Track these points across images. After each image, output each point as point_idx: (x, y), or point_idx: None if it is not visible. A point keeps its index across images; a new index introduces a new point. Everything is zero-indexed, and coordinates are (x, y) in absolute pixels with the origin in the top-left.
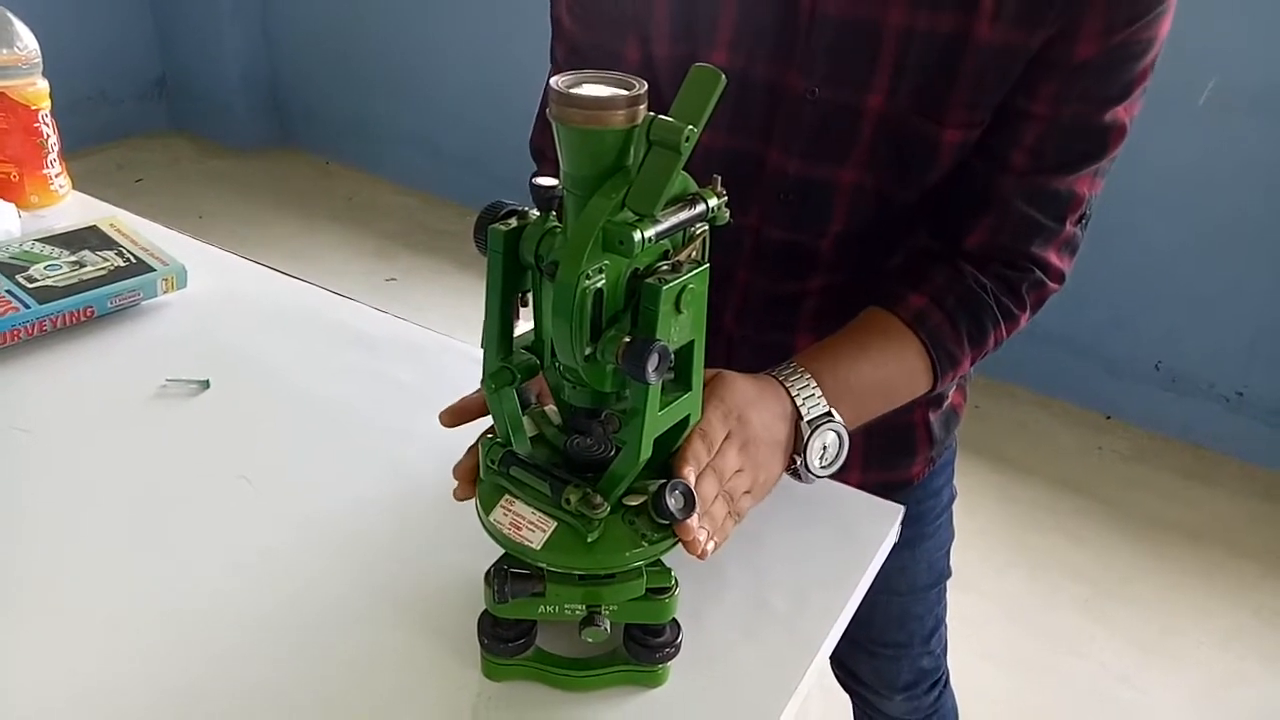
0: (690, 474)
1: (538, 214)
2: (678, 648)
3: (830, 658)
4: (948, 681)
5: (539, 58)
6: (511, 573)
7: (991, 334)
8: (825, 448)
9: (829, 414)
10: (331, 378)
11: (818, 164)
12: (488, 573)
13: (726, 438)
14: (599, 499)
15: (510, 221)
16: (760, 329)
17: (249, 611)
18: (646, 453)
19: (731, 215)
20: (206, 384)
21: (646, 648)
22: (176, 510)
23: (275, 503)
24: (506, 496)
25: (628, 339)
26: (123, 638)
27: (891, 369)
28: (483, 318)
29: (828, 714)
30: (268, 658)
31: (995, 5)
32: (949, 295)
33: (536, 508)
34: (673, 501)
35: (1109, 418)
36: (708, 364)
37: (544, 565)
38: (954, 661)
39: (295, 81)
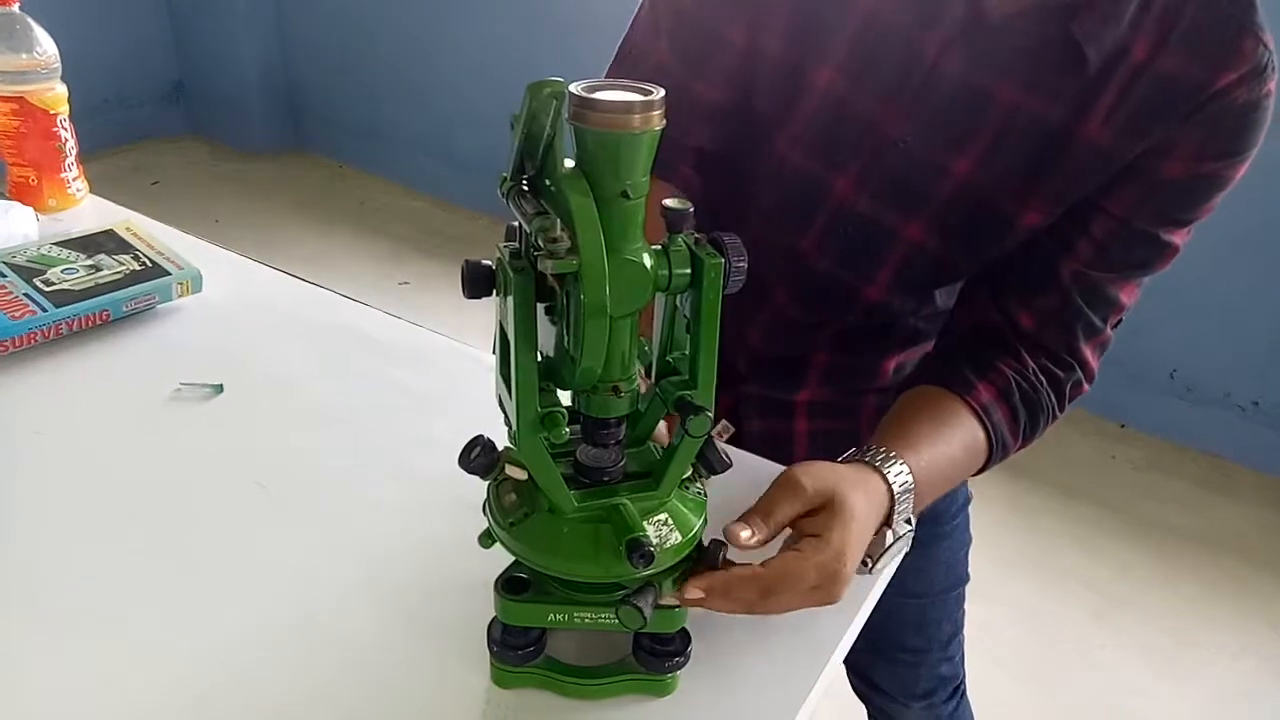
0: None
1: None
2: (687, 657)
3: (847, 666)
4: (964, 692)
5: (553, 62)
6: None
7: (1040, 430)
8: (893, 554)
9: (909, 521)
10: (344, 382)
11: (887, 210)
12: (497, 581)
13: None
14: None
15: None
16: (782, 345)
17: (258, 614)
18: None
19: (790, 235)
20: (220, 388)
21: (656, 656)
22: (188, 513)
23: (287, 506)
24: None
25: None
26: (134, 640)
27: (960, 463)
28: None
29: None
30: (276, 660)
31: (1108, 111)
32: (1015, 392)
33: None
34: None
35: (1123, 426)
36: (725, 388)
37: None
38: (965, 669)
39: (310, 86)
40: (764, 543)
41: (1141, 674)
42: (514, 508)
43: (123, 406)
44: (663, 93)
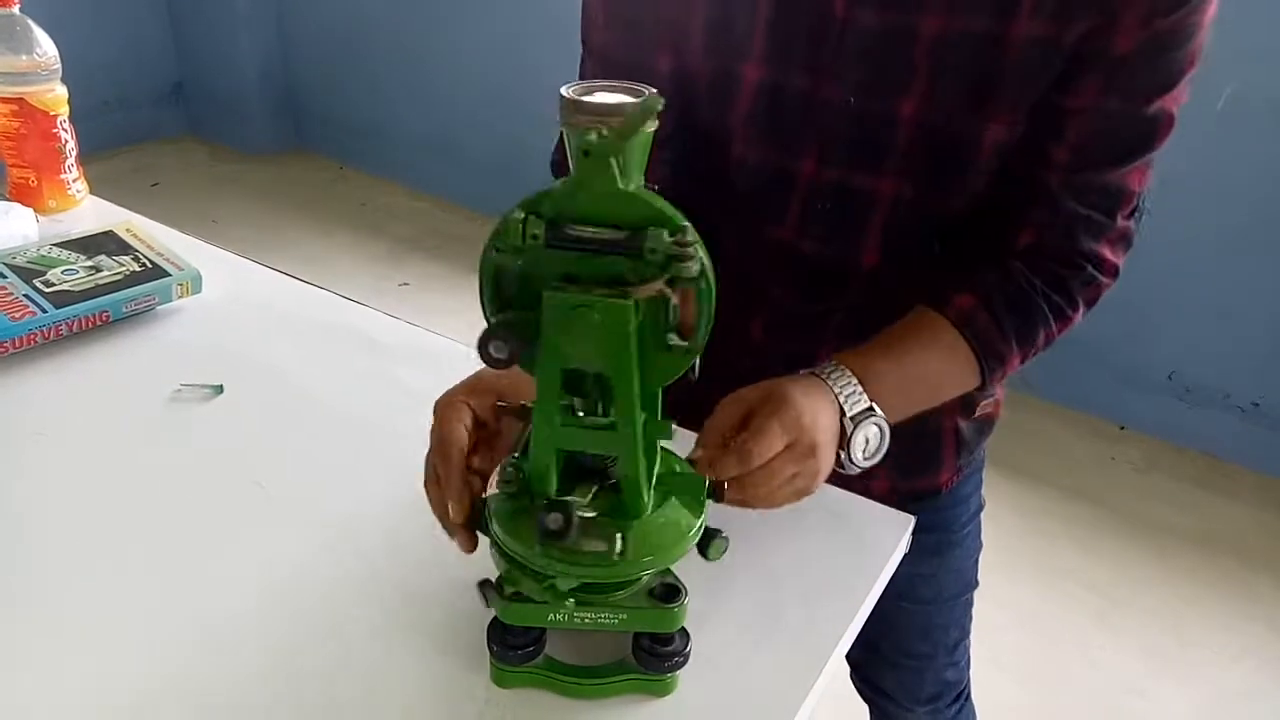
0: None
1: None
2: (687, 656)
3: (852, 669)
4: (969, 696)
5: (554, 63)
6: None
7: (1042, 333)
8: (868, 440)
9: (870, 409)
10: (344, 383)
11: (855, 173)
12: (497, 581)
13: (786, 448)
14: (514, 472)
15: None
16: (789, 340)
17: (259, 615)
18: (543, 453)
19: (770, 227)
20: (220, 389)
21: (655, 656)
22: (188, 514)
23: (287, 507)
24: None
25: (504, 320)
26: (134, 639)
27: (935, 365)
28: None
29: None
30: (277, 661)
31: (1033, 2)
32: (997, 295)
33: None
34: (546, 521)
35: (1123, 428)
36: (732, 373)
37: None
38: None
39: (310, 86)
40: (714, 457)
41: (1141, 674)
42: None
43: (123, 407)
44: (654, 93)
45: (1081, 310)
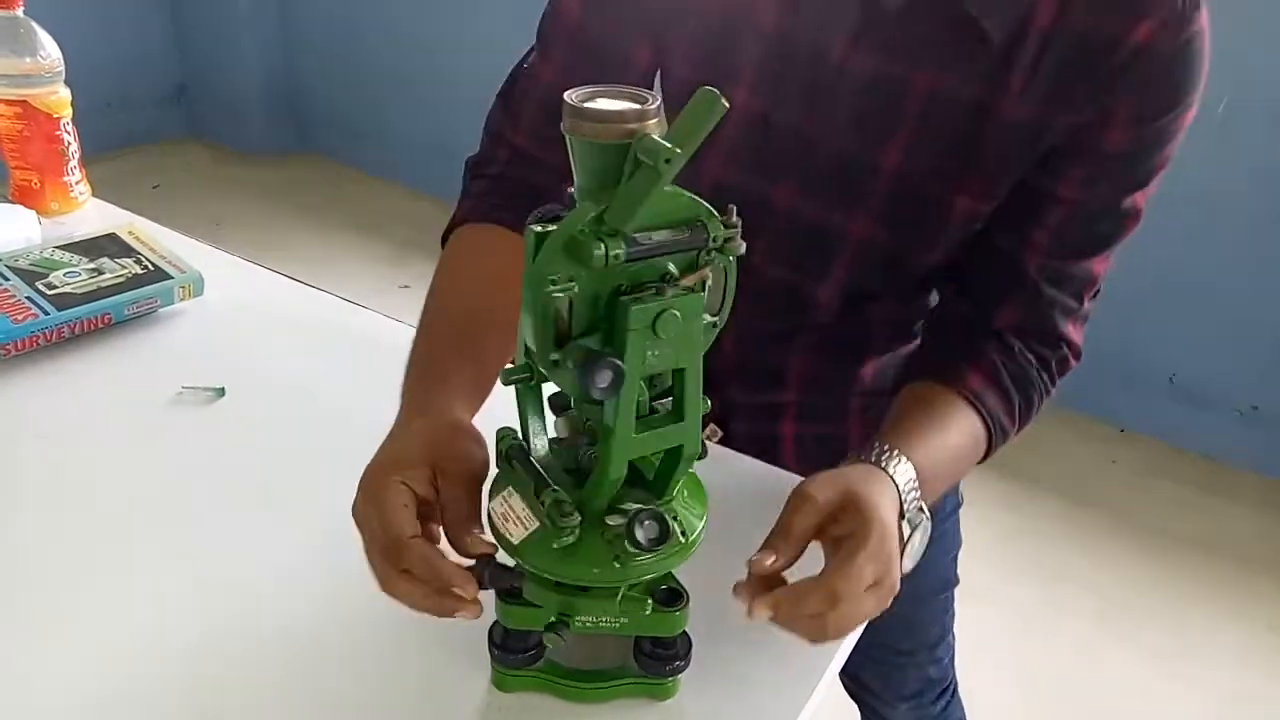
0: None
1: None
2: (688, 661)
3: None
4: (955, 691)
5: None
6: (496, 563)
7: (1035, 408)
8: (915, 547)
9: (923, 512)
10: (345, 385)
11: (830, 211)
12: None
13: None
14: (571, 509)
15: (547, 225)
16: (758, 352)
17: (259, 618)
18: (617, 472)
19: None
20: (222, 391)
21: (657, 660)
22: (190, 515)
23: (288, 509)
24: (509, 489)
25: (589, 351)
26: (136, 641)
27: (964, 452)
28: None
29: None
30: (279, 664)
31: (1024, 82)
32: (1003, 374)
33: (528, 505)
34: (642, 531)
35: (1122, 430)
36: (708, 378)
37: (517, 562)
38: (965, 673)
39: (312, 88)
40: (790, 563)
41: (1142, 677)
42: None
43: (125, 409)
44: (658, 101)
45: (1055, 389)
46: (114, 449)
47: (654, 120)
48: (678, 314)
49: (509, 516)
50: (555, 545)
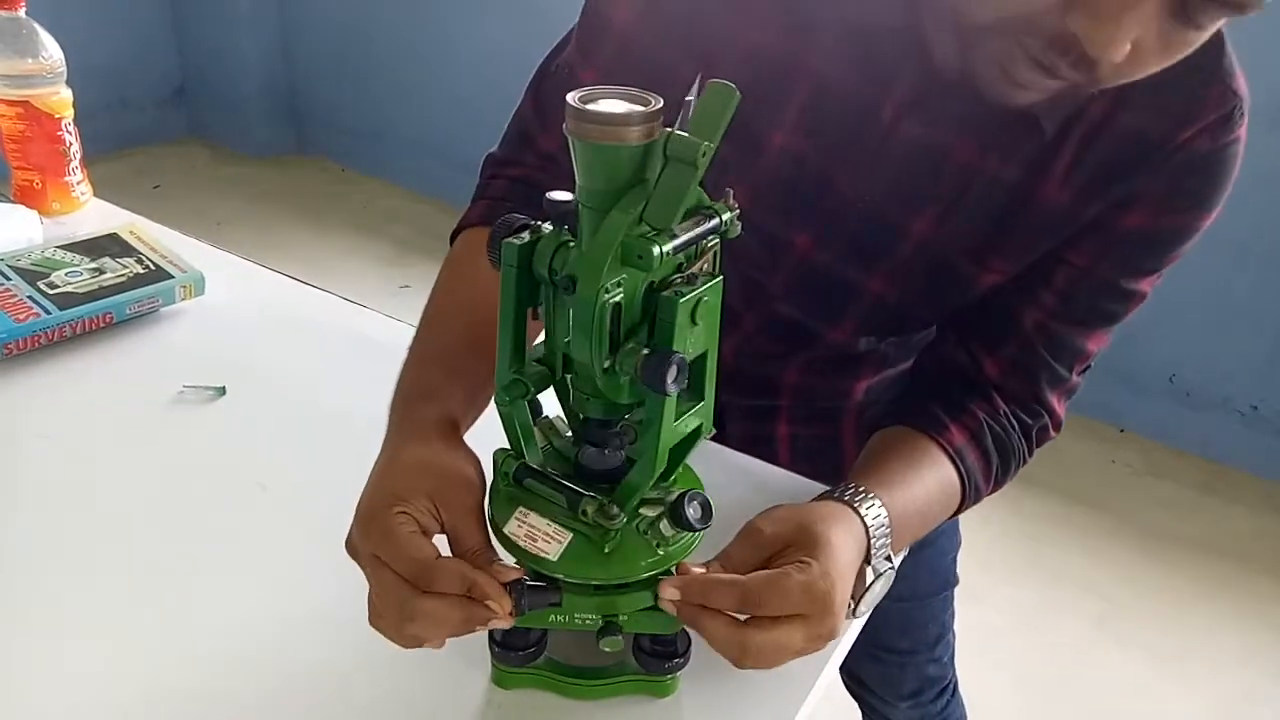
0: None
1: (549, 227)
2: (687, 658)
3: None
4: (955, 690)
5: None
6: (528, 585)
7: (1010, 474)
8: (875, 593)
9: (889, 559)
10: (345, 385)
11: (848, 266)
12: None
13: (799, 616)
14: (615, 510)
15: (524, 235)
16: (759, 365)
17: (260, 614)
18: (662, 464)
19: (759, 274)
20: (222, 390)
21: (656, 658)
22: (191, 514)
23: (289, 508)
24: (521, 509)
25: (646, 351)
26: (137, 641)
27: (936, 505)
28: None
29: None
30: (279, 662)
31: (1066, 171)
32: (986, 434)
33: (552, 519)
34: (691, 511)
35: (1122, 431)
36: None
37: (560, 576)
38: (966, 673)
39: (312, 89)
40: (708, 584)
41: (1142, 678)
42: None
43: (126, 409)
44: (661, 103)
45: (1030, 459)
46: (115, 447)
47: (659, 121)
48: (708, 300)
49: (536, 536)
50: (606, 549)
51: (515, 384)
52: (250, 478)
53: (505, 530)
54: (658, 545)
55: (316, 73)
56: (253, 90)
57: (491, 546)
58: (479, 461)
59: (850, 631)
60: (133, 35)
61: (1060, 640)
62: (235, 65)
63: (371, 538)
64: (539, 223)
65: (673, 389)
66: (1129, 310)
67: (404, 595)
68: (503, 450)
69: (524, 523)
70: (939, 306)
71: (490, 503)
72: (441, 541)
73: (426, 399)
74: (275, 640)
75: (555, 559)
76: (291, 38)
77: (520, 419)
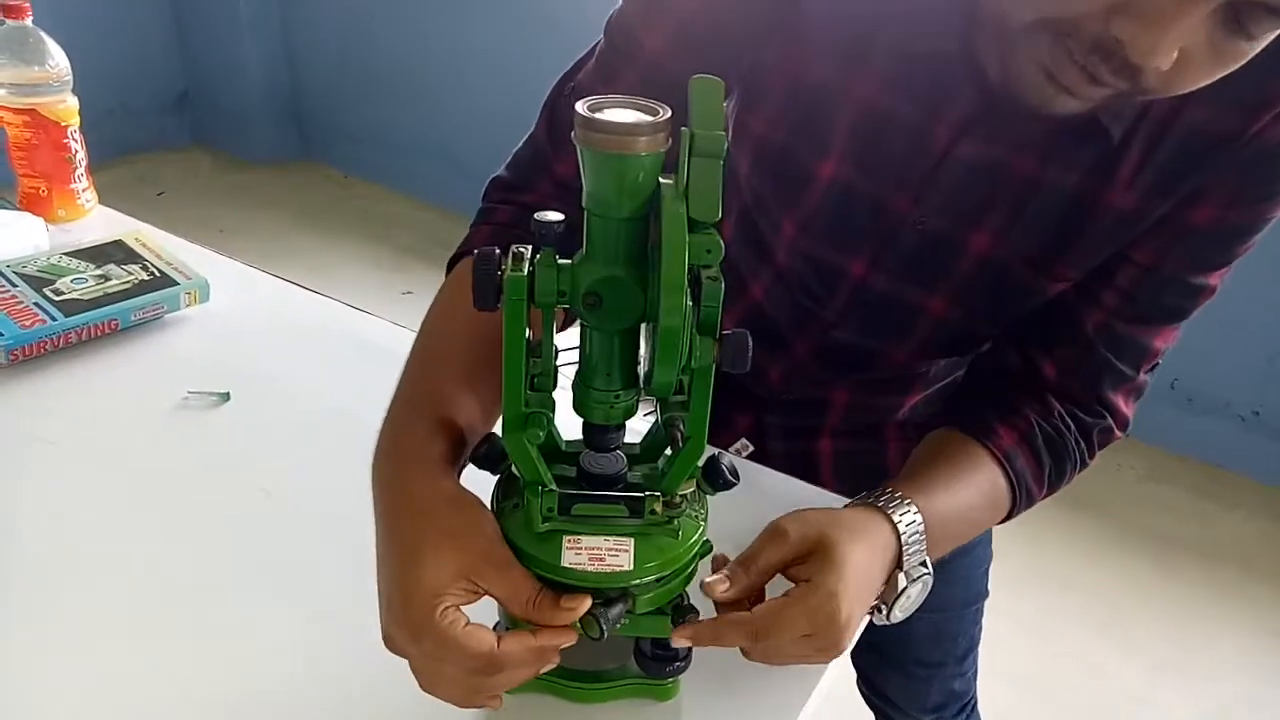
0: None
1: (533, 250)
2: (689, 662)
3: (859, 676)
4: (975, 706)
5: (559, 72)
6: (599, 605)
7: (1068, 477)
8: (911, 597)
9: (925, 566)
10: (349, 391)
11: (907, 287)
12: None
13: (804, 636)
14: (674, 497)
15: (522, 268)
16: (805, 388)
17: (264, 619)
18: (704, 442)
19: (812, 304)
20: (227, 396)
21: (658, 661)
22: (195, 520)
23: (294, 514)
24: (567, 537)
25: (724, 335)
26: (142, 645)
27: (981, 510)
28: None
29: None
30: (281, 666)
31: (1133, 173)
32: (1038, 436)
33: (607, 534)
34: (725, 467)
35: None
36: (749, 397)
37: (635, 581)
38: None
39: (315, 96)
40: (746, 593)
41: (1144, 683)
42: (508, 498)
43: (131, 414)
44: (669, 113)
45: (1095, 459)
46: (120, 453)
47: (664, 133)
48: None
49: (601, 555)
50: (680, 535)
51: (535, 417)
52: (254, 483)
53: (565, 565)
54: (696, 516)
55: (319, 79)
56: (256, 97)
57: (549, 592)
58: (482, 502)
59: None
60: (136, 42)
61: (1061, 644)
62: (238, 72)
63: (424, 644)
64: (519, 248)
65: (749, 364)
66: (1197, 305)
67: (473, 683)
68: (508, 496)
69: (579, 549)
70: (1003, 320)
71: (525, 550)
72: None
73: (417, 450)
74: (277, 644)
75: (630, 567)
76: (294, 44)
77: (536, 450)
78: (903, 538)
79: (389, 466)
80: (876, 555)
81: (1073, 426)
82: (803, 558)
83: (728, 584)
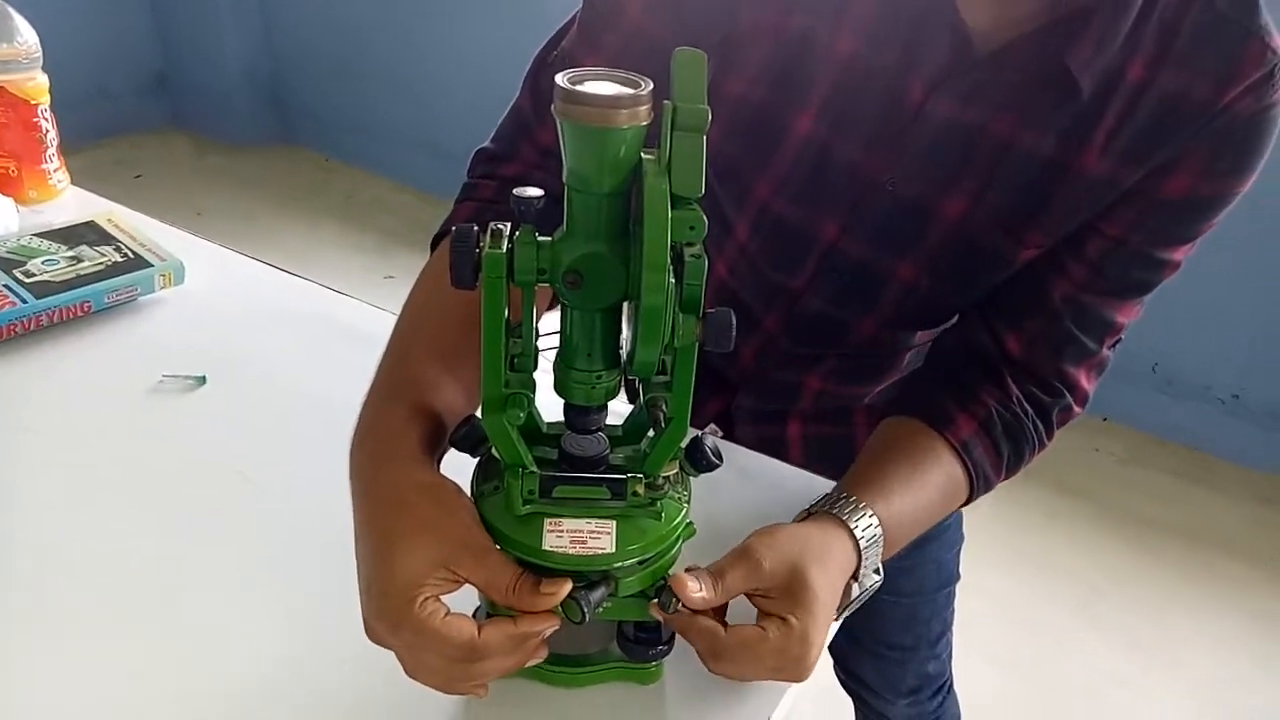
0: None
1: (512, 228)
2: (671, 645)
3: (834, 660)
4: (951, 687)
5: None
6: (580, 589)
7: (1025, 460)
8: (856, 603)
9: (877, 571)
10: (328, 374)
11: (879, 252)
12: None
13: (773, 652)
14: (657, 479)
15: (501, 245)
16: (779, 369)
17: (242, 605)
18: (686, 424)
19: (779, 274)
20: (203, 380)
21: (640, 645)
22: (172, 505)
23: (271, 497)
24: (548, 520)
25: (708, 313)
26: (120, 632)
27: (938, 503)
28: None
29: (821, 716)
30: (263, 651)
31: (1106, 139)
32: (996, 424)
33: (589, 516)
34: (708, 447)
35: (1105, 419)
36: (721, 381)
37: (617, 564)
38: (953, 665)
39: (295, 78)
40: (711, 605)
41: (1125, 664)
42: (488, 480)
43: (104, 398)
44: (651, 86)
45: (1053, 439)
46: (93, 437)
47: (645, 106)
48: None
49: (582, 537)
50: (662, 515)
51: (515, 398)
52: (231, 467)
53: (545, 548)
54: (678, 498)
55: (300, 61)
56: (235, 79)
57: (530, 575)
58: (461, 489)
59: (835, 623)
60: (113, 23)
61: (1041, 627)
62: (217, 53)
63: (403, 635)
64: (498, 225)
65: (732, 343)
66: (1162, 279)
67: (454, 672)
68: (488, 479)
69: (560, 531)
70: (972, 291)
71: (505, 534)
72: None
73: (394, 438)
74: (256, 627)
75: (612, 549)
76: (274, 26)
77: (516, 431)
78: (860, 543)
79: (365, 455)
80: (840, 577)
81: (1030, 411)
82: (771, 592)
83: (700, 590)
